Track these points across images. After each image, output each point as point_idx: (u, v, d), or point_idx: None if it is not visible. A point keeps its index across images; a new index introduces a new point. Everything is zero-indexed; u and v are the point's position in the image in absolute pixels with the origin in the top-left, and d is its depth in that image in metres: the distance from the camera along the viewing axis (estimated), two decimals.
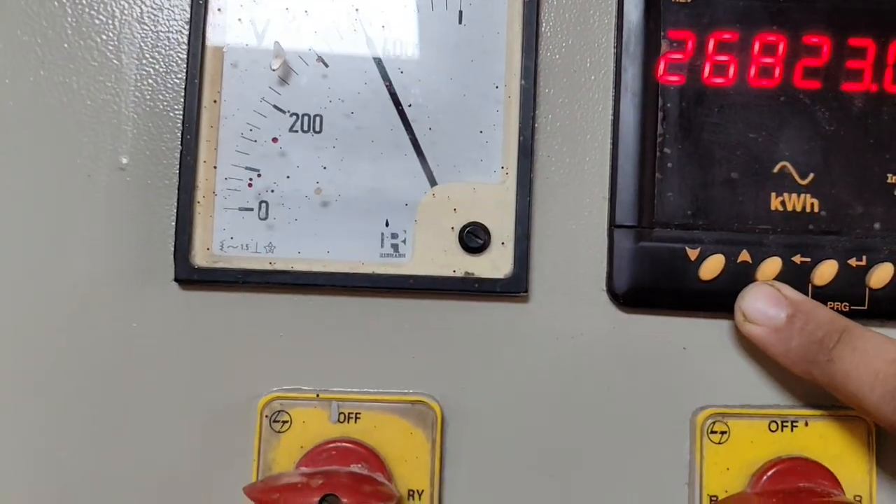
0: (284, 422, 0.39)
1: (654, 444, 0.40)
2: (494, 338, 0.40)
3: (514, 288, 0.39)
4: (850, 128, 0.40)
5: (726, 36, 0.40)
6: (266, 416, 0.39)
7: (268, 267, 0.40)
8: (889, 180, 0.40)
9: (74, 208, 0.40)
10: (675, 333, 0.40)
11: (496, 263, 0.40)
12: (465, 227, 0.40)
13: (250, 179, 0.40)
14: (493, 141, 0.40)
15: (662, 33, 0.40)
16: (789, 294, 0.38)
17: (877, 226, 0.40)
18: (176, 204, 0.40)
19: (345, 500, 0.35)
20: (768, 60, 0.40)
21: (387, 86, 0.40)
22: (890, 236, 0.39)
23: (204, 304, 0.40)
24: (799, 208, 0.40)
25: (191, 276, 0.40)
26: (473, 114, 0.40)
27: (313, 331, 0.40)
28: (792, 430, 0.39)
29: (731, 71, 0.40)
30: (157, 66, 0.41)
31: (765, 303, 0.37)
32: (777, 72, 0.40)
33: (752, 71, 0.40)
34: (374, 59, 0.41)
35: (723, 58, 0.40)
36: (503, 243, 0.40)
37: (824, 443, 0.39)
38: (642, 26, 0.40)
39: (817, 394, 0.39)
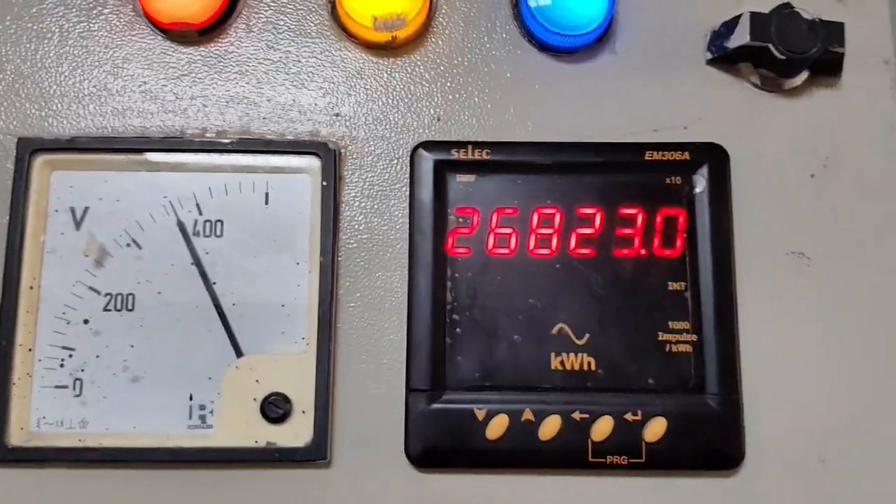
0: None
1: None
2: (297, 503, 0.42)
3: (314, 455, 0.42)
4: (623, 290, 0.44)
5: (508, 211, 0.44)
6: None
7: (78, 444, 0.42)
8: (660, 338, 0.43)
9: None
10: (470, 490, 0.42)
11: (297, 432, 0.42)
12: (267, 397, 0.42)
13: (62, 360, 0.42)
14: (296, 313, 0.43)
15: (450, 210, 0.44)
16: None
17: (650, 381, 0.43)
18: None
19: None
20: (546, 231, 0.44)
21: (193, 264, 0.43)
22: (663, 391, 0.42)
23: (20, 480, 0.42)
24: (577, 367, 0.43)
25: (6, 456, 0.42)
26: (276, 289, 0.44)
27: (123, 503, 0.42)
28: None
29: (513, 242, 0.44)
30: None
31: None
32: (554, 242, 0.44)
33: (532, 241, 0.44)
34: (184, 240, 0.44)
35: (505, 230, 0.44)
36: (304, 412, 0.42)
37: None
38: (432, 204, 0.44)
39: None
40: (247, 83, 0.45)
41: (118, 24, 0.46)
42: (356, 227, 0.45)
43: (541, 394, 0.42)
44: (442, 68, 0.46)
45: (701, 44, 0.46)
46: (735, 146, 0.45)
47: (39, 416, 0.42)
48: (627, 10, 0.46)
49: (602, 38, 0.46)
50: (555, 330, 0.43)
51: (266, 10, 0.46)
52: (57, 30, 0.46)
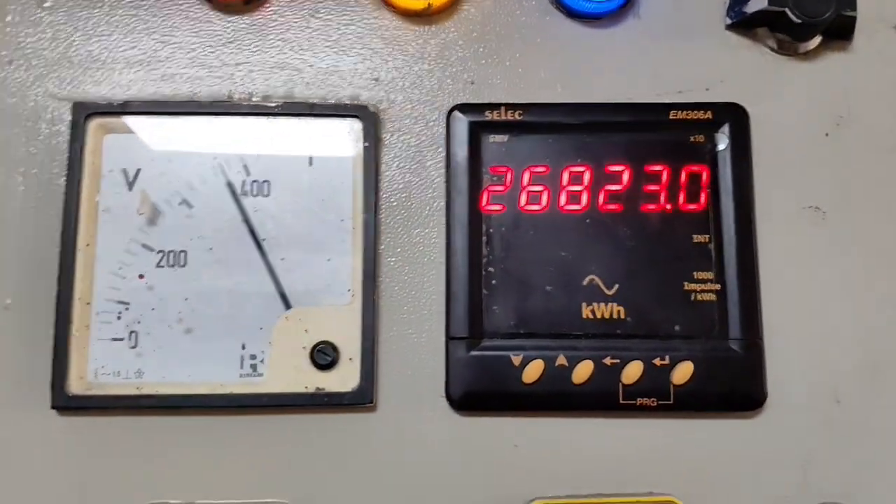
0: None
1: None
2: (345, 446, 0.44)
3: (360, 399, 0.44)
4: (649, 243, 0.46)
5: (539, 169, 0.47)
6: None
7: (135, 392, 0.44)
8: (685, 287, 0.45)
9: None
10: (507, 432, 0.45)
11: (344, 378, 0.44)
12: (315, 345, 0.45)
13: (119, 313, 0.45)
14: (341, 267, 0.46)
15: (485, 169, 0.47)
16: None
17: (677, 328, 0.45)
18: (53, 338, 0.44)
19: None
20: (576, 188, 0.46)
21: (243, 222, 0.46)
22: (689, 337, 0.45)
23: (80, 428, 0.44)
24: (607, 315, 0.45)
25: (67, 404, 0.44)
26: (322, 244, 0.46)
27: (179, 447, 0.44)
28: None
29: (545, 199, 0.46)
30: (36, 215, 0.46)
31: None
32: (584, 198, 0.46)
33: (563, 198, 0.46)
34: (234, 199, 0.46)
35: (537, 188, 0.46)
36: (351, 359, 0.45)
37: None
38: (467, 164, 0.46)
39: (629, 481, 0.44)
40: (290, 50, 0.48)
41: None
42: (395, 186, 0.47)
43: (573, 340, 0.45)
44: (475, 34, 0.48)
45: (720, 9, 0.49)
46: (754, 106, 0.47)
47: (97, 367, 0.44)
48: None
49: (627, 4, 0.48)
50: (585, 281, 0.46)
51: None
52: None
